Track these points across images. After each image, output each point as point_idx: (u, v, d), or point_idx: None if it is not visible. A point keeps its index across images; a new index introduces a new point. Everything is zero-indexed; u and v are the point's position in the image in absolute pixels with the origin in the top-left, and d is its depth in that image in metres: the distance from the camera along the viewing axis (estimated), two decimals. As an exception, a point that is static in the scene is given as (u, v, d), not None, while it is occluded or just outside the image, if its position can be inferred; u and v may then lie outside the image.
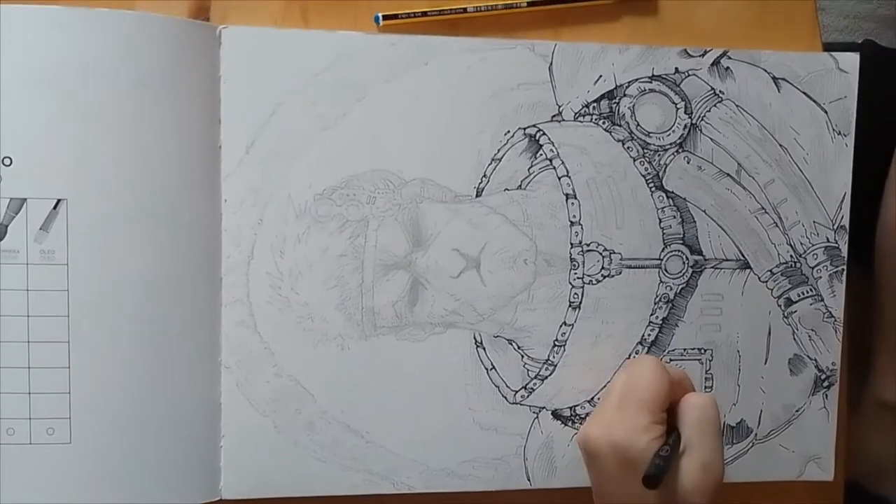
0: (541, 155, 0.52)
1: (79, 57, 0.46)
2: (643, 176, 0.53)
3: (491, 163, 0.51)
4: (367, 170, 0.50)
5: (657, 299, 0.53)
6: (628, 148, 0.53)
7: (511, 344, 0.52)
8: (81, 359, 0.47)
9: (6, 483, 0.46)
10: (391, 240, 0.51)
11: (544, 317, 0.52)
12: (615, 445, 0.47)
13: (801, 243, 0.54)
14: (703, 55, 0.53)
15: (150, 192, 0.47)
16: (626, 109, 0.52)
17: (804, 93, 0.54)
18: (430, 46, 0.50)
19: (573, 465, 0.53)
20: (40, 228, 0.46)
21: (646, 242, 0.53)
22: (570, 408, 0.53)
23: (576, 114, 0.52)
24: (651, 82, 0.52)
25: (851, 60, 0.54)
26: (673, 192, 0.53)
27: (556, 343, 0.53)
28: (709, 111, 0.53)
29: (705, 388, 0.54)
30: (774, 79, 0.53)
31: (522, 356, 0.53)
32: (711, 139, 0.53)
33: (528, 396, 0.53)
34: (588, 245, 0.52)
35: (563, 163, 0.52)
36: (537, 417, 0.53)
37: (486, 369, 0.52)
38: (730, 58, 0.53)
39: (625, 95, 0.52)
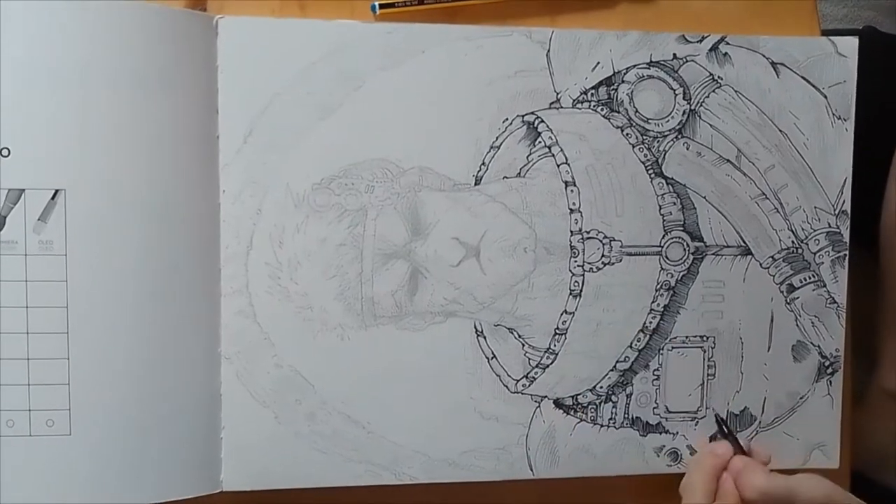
0: (539, 142, 0.52)
1: (76, 47, 0.46)
2: (642, 162, 0.53)
3: (489, 151, 0.51)
4: (366, 159, 0.50)
5: (658, 286, 0.53)
6: (627, 134, 0.52)
7: (512, 333, 0.52)
8: (81, 350, 0.47)
9: (6, 475, 0.46)
10: (390, 229, 0.51)
11: (545, 305, 0.52)
12: None
13: (803, 229, 0.54)
14: (700, 41, 0.53)
15: (149, 182, 0.47)
16: (624, 96, 0.52)
17: (803, 78, 0.54)
18: (426, 35, 0.50)
19: (576, 455, 0.53)
20: (39, 219, 0.46)
21: (646, 229, 0.53)
22: (572, 396, 0.53)
23: (574, 101, 0.52)
24: (649, 68, 0.52)
25: (850, 44, 0.54)
26: (673, 179, 0.53)
27: (557, 331, 0.52)
28: (707, 97, 0.53)
29: (707, 376, 0.54)
30: (773, 64, 0.53)
31: (523, 345, 0.52)
32: (711, 125, 0.53)
33: (529, 385, 0.52)
34: (588, 232, 0.52)
35: (561, 150, 0.52)
36: (539, 406, 0.52)
37: (487, 358, 0.52)
38: (728, 43, 0.53)
39: (623, 82, 0.52)
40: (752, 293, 0.54)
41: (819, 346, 0.55)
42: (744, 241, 0.54)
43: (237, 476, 0.50)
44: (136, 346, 0.47)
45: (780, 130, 0.53)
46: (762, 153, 0.53)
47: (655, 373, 0.53)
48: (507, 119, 0.51)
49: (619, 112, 0.52)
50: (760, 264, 0.54)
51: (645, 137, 0.53)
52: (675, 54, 0.53)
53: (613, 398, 0.53)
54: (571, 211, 0.52)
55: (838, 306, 0.55)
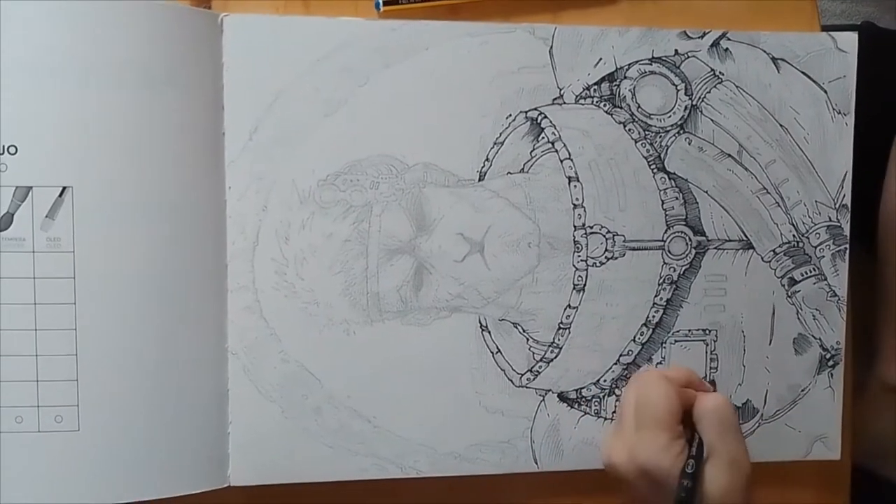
0: (543, 138, 0.52)
1: (82, 45, 0.46)
2: (645, 158, 0.53)
3: (493, 146, 0.52)
4: (370, 155, 0.51)
5: (661, 281, 0.53)
6: (629, 130, 0.53)
7: (516, 327, 0.53)
8: (89, 346, 0.47)
9: (15, 470, 0.46)
10: (395, 225, 0.51)
11: (549, 300, 0.53)
12: (641, 469, 0.48)
13: (804, 223, 0.54)
14: (702, 37, 0.53)
15: (155, 179, 0.48)
16: (626, 91, 0.53)
17: (803, 73, 0.54)
18: (430, 31, 0.51)
19: (580, 448, 0.53)
20: (46, 216, 0.46)
21: (648, 224, 0.53)
22: (576, 390, 0.53)
23: (577, 96, 0.52)
24: (651, 64, 0.53)
25: (850, 40, 0.54)
26: (675, 174, 0.53)
27: (561, 326, 0.53)
28: (709, 92, 0.53)
29: (710, 369, 0.54)
30: (774, 59, 0.54)
31: (527, 339, 0.53)
32: (712, 120, 0.53)
33: (533, 379, 0.53)
34: (591, 227, 0.53)
35: (564, 145, 0.52)
36: (543, 400, 0.53)
37: (492, 353, 0.52)
38: (729, 39, 0.53)
39: (625, 78, 0.53)
40: (753, 287, 0.54)
41: (820, 339, 0.55)
42: (745, 236, 0.54)
43: (244, 471, 0.50)
44: (143, 342, 0.48)
45: (781, 125, 0.54)
46: (763, 148, 0.54)
47: (658, 366, 0.54)
48: (510, 115, 0.52)
49: (621, 108, 0.53)
50: (762, 258, 0.54)
51: (647, 133, 0.53)
52: (676, 50, 0.53)
53: (617, 391, 0.53)
54: (575, 206, 0.53)
55: (839, 299, 0.55)
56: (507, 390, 0.52)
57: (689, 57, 0.53)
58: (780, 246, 0.54)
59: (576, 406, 0.53)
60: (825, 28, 0.56)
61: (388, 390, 0.51)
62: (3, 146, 0.46)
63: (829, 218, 0.55)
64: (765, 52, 0.54)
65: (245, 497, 0.51)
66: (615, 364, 0.53)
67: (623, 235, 0.53)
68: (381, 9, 0.52)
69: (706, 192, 0.54)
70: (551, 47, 0.52)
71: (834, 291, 0.55)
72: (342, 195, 0.50)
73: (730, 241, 0.54)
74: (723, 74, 0.53)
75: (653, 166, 0.53)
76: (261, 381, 0.50)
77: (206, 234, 0.49)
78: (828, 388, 0.55)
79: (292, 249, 0.50)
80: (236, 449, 0.50)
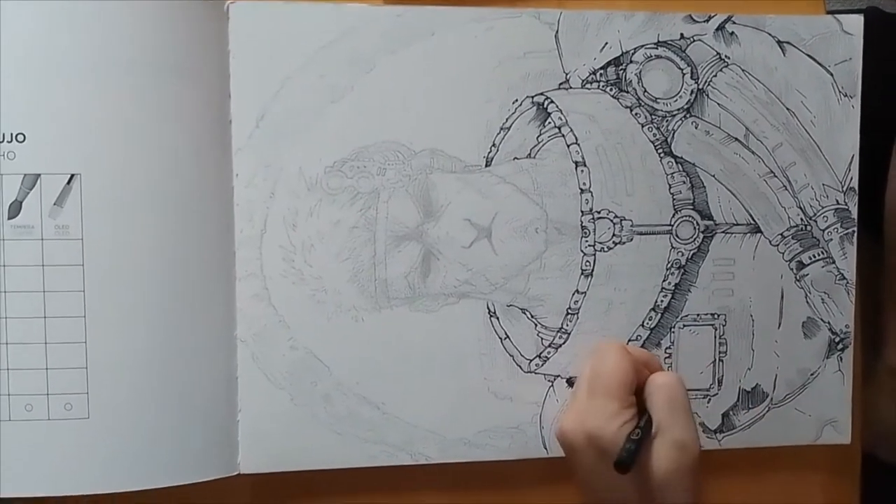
0: (549, 123, 0.52)
1: (90, 34, 0.46)
2: (652, 142, 0.53)
3: (499, 132, 0.52)
4: (377, 141, 0.51)
5: (669, 265, 0.53)
6: (636, 114, 0.53)
7: (524, 313, 0.53)
8: (97, 333, 0.47)
9: (25, 458, 0.46)
10: (402, 211, 0.51)
11: (557, 285, 0.53)
12: (588, 435, 0.48)
13: (811, 206, 0.54)
14: (707, 20, 0.53)
15: (163, 167, 0.48)
16: (632, 76, 0.53)
17: (809, 56, 0.54)
18: (436, 17, 0.51)
19: (589, 433, 0.53)
20: (55, 203, 0.46)
21: (656, 208, 0.53)
22: (585, 375, 0.53)
23: (583, 81, 0.52)
24: (657, 48, 0.53)
25: (855, 22, 0.54)
26: (682, 158, 0.53)
27: (570, 311, 0.53)
28: (715, 76, 0.53)
29: (719, 353, 0.54)
30: (779, 42, 0.54)
31: (536, 325, 0.53)
32: (718, 104, 0.53)
33: (542, 365, 0.53)
34: (599, 212, 0.53)
35: (571, 130, 0.52)
36: (552, 386, 0.53)
37: (500, 339, 0.52)
38: (734, 22, 0.53)
39: (631, 62, 0.53)
40: (762, 271, 0.54)
41: (829, 323, 0.55)
42: (753, 219, 0.54)
43: (254, 459, 0.50)
44: (152, 329, 0.48)
45: (788, 108, 0.54)
46: (770, 131, 0.54)
47: (667, 351, 0.54)
48: (516, 100, 0.52)
49: (627, 92, 0.53)
50: (770, 242, 0.54)
51: (654, 117, 0.53)
52: (682, 34, 0.53)
53: (626, 376, 0.53)
54: (582, 191, 0.53)
55: (847, 283, 0.55)
56: (515, 376, 0.52)
57: (694, 41, 0.53)
58: (787, 229, 0.54)
59: (585, 391, 0.53)
60: (830, 13, 0.56)
61: (397, 377, 0.51)
62: (12, 134, 0.46)
63: (837, 201, 0.55)
64: (770, 35, 0.54)
65: (254, 484, 0.51)
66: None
67: (631, 220, 0.53)
68: (387, -5, 0.52)
69: (713, 175, 0.54)
70: (557, 32, 0.52)
71: (842, 274, 0.55)
72: (349, 182, 0.50)
73: (737, 224, 0.54)
74: (729, 58, 0.53)
75: (660, 150, 0.53)
76: (270, 369, 0.50)
77: (214, 222, 0.49)
78: (837, 372, 0.55)
79: (300, 236, 0.50)
80: (245, 437, 0.50)
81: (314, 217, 0.50)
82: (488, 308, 0.52)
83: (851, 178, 0.55)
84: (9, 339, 0.46)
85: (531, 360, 0.53)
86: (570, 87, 0.52)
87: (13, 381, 0.46)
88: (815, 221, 0.55)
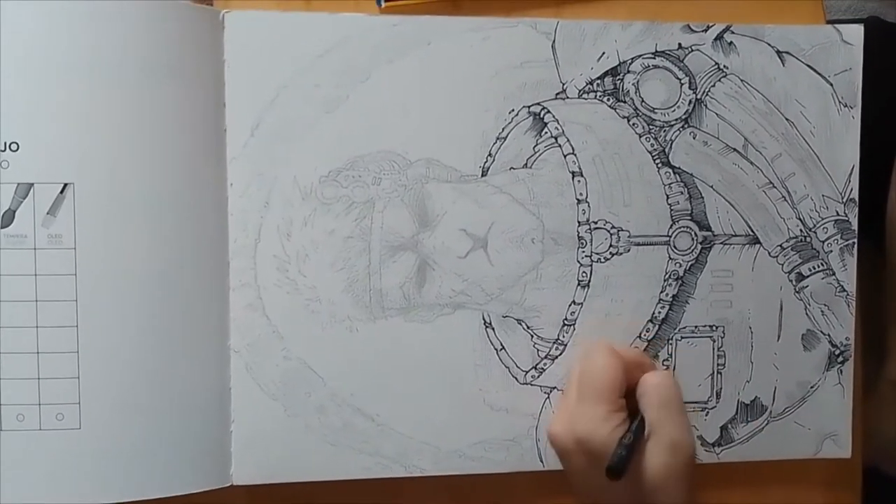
0: (546, 133, 0.52)
1: (84, 42, 0.46)
2: (649, 152, 0.53)
3: (496, 142, 0.51)
4: (372, 151, 0.50)
5: (667, 276, 0.53)
6: (633, 124, 0.52)
7: (520, 324, 0.52)
8: (90, 343, 0.47)
9: (16, 468, 0.46)
10: (397, 221, 0.51)
11: (553, 296, 0.52)
12: (578, 440, 0.47)
13: (811, 217, 0.54)
14: (705, 30, 0.53)
15: (157, 176, 0.47)
16: (630, 86, 0.52)
17: (809, 66, 0.53)
18: (432, 26, 0.50)
19: (586, 446, 0.52)
20: (48, 213, 0.46)
21: (654, 219, 0.53)
22: (582, 387, 0.53)
23: (580, 91, 0.52)
24: (654, 58, 0.52)
25: (855, 32, 0.54)
26: (680, 168, 0.53)
27: (566, 322, 0.52)
28: (713, 86, 0.53)
29: (718, 365, 0.54)
30: (778, 52, 0.53)
31: (532, 336, 0.52)
32: (717, 114, 0.53)
33: (538, 376, 0.52)
34: (595, 223, 0.52)
35: (568, 140, 0.52)
36: (549, 397, 0.52)
37: (496, 350, 0.52)
38: (733, 32, 0.53)
39: (628, 72, 0.52)
40: (760, 282, 0.54)
41: (829, 335, 0.54)
42: (752, 230, 0.54)
43: (247, 470, 0.50)
44: (145, 339, 0.47)
45: (787, 119, 0.53)
46: (769, 142, 0.53)
47: (665, 363, 0.53)
48: (513, 110, 0.51)
49: (625, 102, 0.52)
50: (769, 253, 0.54)
51: (651, 127, 0.53)
52: (680, 44, 0.53)
53: (623, 388, 0.53)
54: (579, 201, 0.52)
55: (847, 294, 0.54)
56: (511, 388, 0.52)
57: (692, 50, 0.53)
58: (787, 240, 0.54)
59: (581, 403, 0.53)
60: (830, 23, 0.56)
61: (392, 388, 0.51)
62: (5, 143, 0.46)
63: (837, 212, 0.54)
64: (769, 45, 0.53)
65: (248, 496, 0.51)
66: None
67: (628, 231, 0.52)
68: (383, 4, 0.51)
69: (711, 186, 0.53)
70: (554, 42, 0.51)
71: (842, 286, 0.54)
72: (344, 191, 0.50)
73: (736, 235, 0.54)
74: (727, 68, 0.53)
75: (657, 161, 0.53)
76: (263, 379, 0.50)
77: (208, 231, 0.49)
78: (837, 385, 0.55)
79: (294, 246, 0.50)
80: (239, 448, 0.50)
81: (309, 227, 0.50)
82: (484, 319, 0.52)
83: (851, 189, 0.54)
84: (1, 349, 0.46)
85: (527, 372, 0.52)
86: (567, 97, 0.52)
87: (5, 390, 0.46)
88: (815, 233, 0.54)
